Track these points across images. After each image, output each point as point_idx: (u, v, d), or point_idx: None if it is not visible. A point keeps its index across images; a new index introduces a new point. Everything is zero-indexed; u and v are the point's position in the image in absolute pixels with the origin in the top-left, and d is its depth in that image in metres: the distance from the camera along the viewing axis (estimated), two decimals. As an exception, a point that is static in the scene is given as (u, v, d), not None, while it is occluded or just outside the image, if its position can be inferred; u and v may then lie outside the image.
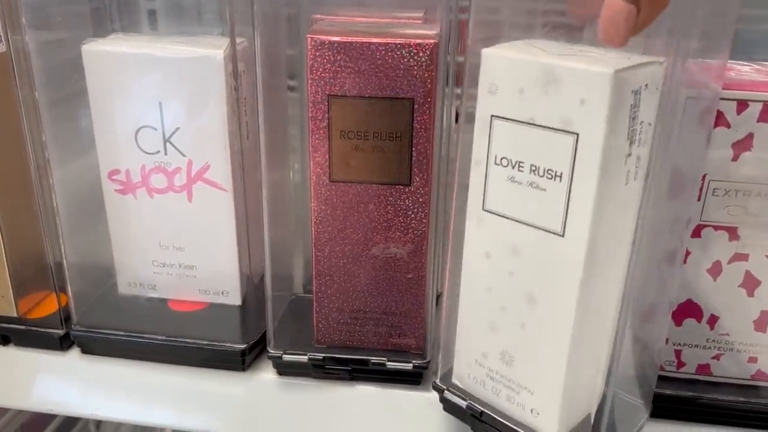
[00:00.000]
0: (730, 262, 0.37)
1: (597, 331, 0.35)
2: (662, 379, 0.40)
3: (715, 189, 0.36)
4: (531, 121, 0.32)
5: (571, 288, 0.32)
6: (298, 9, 0.42)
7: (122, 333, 0.44)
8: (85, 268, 0.47)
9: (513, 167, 0.33)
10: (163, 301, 0.47)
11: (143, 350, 0.44)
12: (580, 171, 0.31)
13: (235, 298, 0.46)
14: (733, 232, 0.37)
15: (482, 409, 0.38)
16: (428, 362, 0.42)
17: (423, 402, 0.42)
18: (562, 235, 0.32)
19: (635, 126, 0.31)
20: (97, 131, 0.43)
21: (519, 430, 0.36)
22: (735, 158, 0.35)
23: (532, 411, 0.36)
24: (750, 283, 0.38)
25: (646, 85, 0.31)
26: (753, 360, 0.39)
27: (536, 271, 0.34)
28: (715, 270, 0.38)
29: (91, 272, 0.47)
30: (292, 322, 0.45)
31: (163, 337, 0.44)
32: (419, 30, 0.37)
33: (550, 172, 0.32)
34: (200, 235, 0.44)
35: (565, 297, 0.32)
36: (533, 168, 0.32)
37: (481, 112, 0.34)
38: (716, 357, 0.40)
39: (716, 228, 0.37)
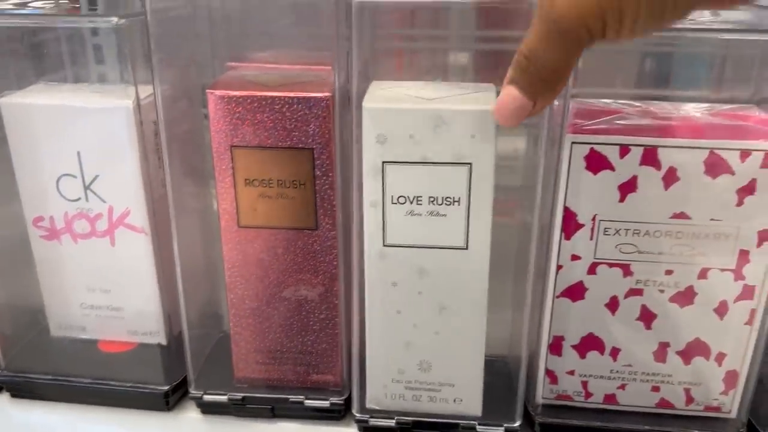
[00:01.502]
0: (626, 297, 0.39)
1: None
2: (571, 409, 0.42)
3: (606, 228, 0.37)
4: (424, 160, 0.35)
5: (480, 286, 0.38)
6: (212, 57, 0.43)
7: (49, 377, 0.45)
8: (16, 312, 0.48)
9: (411, 202, 0.36)
10: (93, 343, 0.48)
11: (70, 393, 0.45)
12: (476, 193, 0.36)
13: (161, 338, 0.46)
14: (626, 269, 0.38)
15: (411, 419, 0.41)
16: (346, 399, 0.43)
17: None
18: (467, 248, 0.37)
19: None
20: (20, 179, 0.44)
21: (449, 421, 0.41)
22: (622, 199, 0.37)
23: (455, 401, 0.41)
24: (646, 317, 0.39)
25: None
26: (656, 389, 0.41)
27: (445, 284, 0.38)
28: (613, 305, 0.39)
29: (22, 316, 0.48)
30: (219, 360, 0.46)
31: (89, 380, 0.45)
32: (325, 79, 0.38)
33: (448, 199, 0.36)
34: (124, 278, 0.45)
35: (476, 294, 0.38)
36: (432, 199, 0.36)
37: (372, 160, 0.36)
38: (621, 387, 0.41)
39: (610, 265, 0.38)
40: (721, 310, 0.38)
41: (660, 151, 0.35)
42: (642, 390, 0.41)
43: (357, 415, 0.42)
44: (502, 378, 0.43)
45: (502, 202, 0.41)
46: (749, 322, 0.38)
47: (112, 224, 0.44)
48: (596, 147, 0.36)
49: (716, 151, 0.35)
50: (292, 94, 0.36)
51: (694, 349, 0.39)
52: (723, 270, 0.37)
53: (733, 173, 0.35)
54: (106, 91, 0.43)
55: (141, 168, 0.42)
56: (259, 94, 0.36)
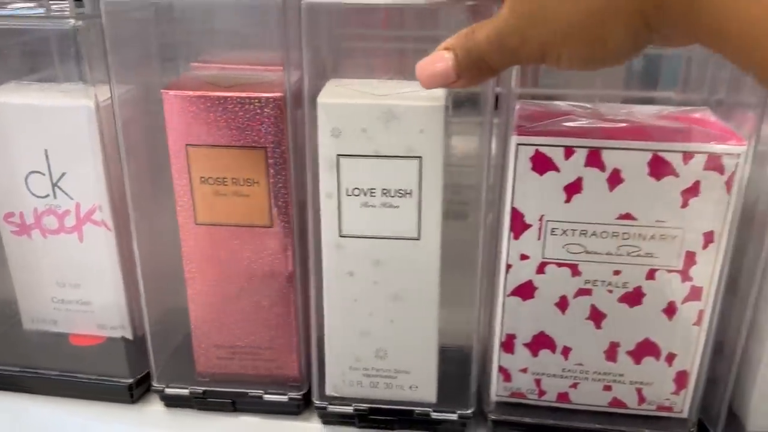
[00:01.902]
0: (575, 296, 0.39)
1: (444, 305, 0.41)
2: (525, 407, 0.42)
3: (553, 229, 0.38)
4: (376, 154, 0.36)
5: (432, 276, 0.39)
6: (175, 57, 0.44)
7: (17, 369, 0.46)
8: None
9: (365, 194, 0.37)
10: (64, 336, 0.49)
11: (39, 385, 0.46)
12: (427, 185, 0.37)
13: (126, 333, 0.47)
14: (574, 269, 0.38)
15: (368, 406, 0.42)
16: (304, 394, 0.44)
17: (307, 430, 0.44)
18: (419, 239, 0.38)
19: (448, 141, 0.38)
20: (-9, 176, 0.46)
21: (405, 408, 0.42)
22: (568, 200, 0.37)
23: (411, 388, 0.42)
24: (596, 317, 0.39)
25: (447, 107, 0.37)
26: (608, 388, 0.41)
27: (398, 273, 0.39)
28: (563, 304, 0.39)
29: (-5, 309, 0.49)
30: (185, 355, 0.47)
31: (57, 372, 0.46)
32: (280, 79, 0.39)
33: (401, 191, 0.37)
34: (92, 273, 0.46)
35: (428, 283, 0.39)
36: (385, 191, 0.37)
37: (326, 153, 0.37)
38: (573, 386, 0.41)
39: (558, 265, 0.39)
40: (670, 310, 0.38)
41: (604, 152, 0.36)
42: (594, 389, 0.41)
43: (316, 402, 0.43)
44: (460, 367, 0.44)
45: (460, 200, 0.42)
46: (698, 323, 0.39)
47: (80, 220, 0.45)
48: (541, 149, 0.36)
49: (660, 153, 0.35)
50: (243, 94, 0.37)
51: (644, 349, 0.40)
52: (670, 271, 0.38)
53: (677, 175, 0.36)
54: (73, 90, 0.44)
55: (104, 166, 0.43)
56: (211, 94, 0.37)
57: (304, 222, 0.39)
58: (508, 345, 0.41)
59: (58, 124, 0.43)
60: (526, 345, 0.41)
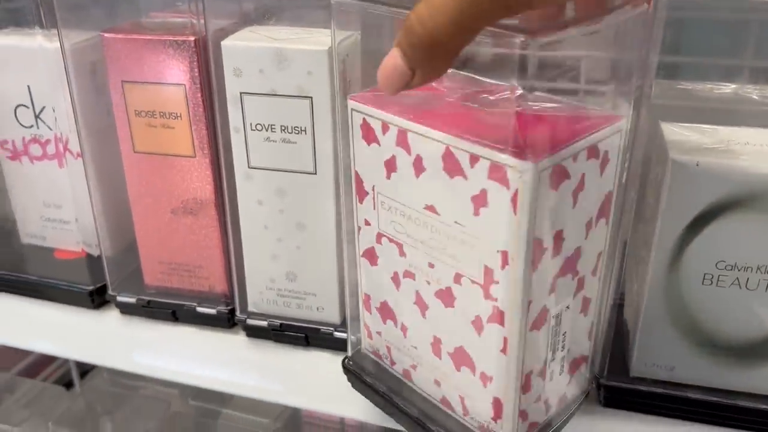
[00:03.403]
0: (404, 276, 0.37)
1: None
2: (380, 368, 0.42)
3: (382, 202, 0.36)
4: (273, 92, 0.41)
5: (328, 209, 0.43)
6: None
7: (5, 272, 0.54)
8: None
9: (267, 130, 0.42)
10: (50, 251, 0.57)
11: (25, 287, 0.54)
12: (318, 123, 0.41)
13: (94, 250, 0.55)
14: (401, 249, 0.36)
15: (281, 321, 0.48)
16: (231, 308, 0.49)
17: (232, 341, 0.49)
18: (315, 173, 0.42)
19: (347, 84, 0.39)
20: (-12, 109, 0.54)
21: (312, 326, 0.47)
22: (388, 176, 0.35)
23: (318, 309, 0.47)
24: (421, 304, 0.37)
25: (348, 54, 0.40)
26: (438, 383, 0.38)
27: (301, 204, 0.44)
28: (396, 280, 0.38)
29: (3, 224, 0.58)
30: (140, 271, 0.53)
31: (36, 278, 0.54)
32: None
33: (296, 128, 0.42)
34: (69, 196, 0.54)
35: (325, 215, 0.44)
36: (283, 127, 0.42)
37: (231, 90, 0.42)
38: (413, 366, 0.39)
39: (390, 240, 0.37)
40: (478, 325, 0.34)
41: (409, 135, 0.33)
42: (428, 378, 0.38)
43: (238, 315, 0.49)
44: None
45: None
46: (504, 351, 0.33)
47: (59, 149, 0.53)
48: (367, 118, 0.35)
49: (452, 149, 0.31)
50: (164, 38, 0.43)
51: (461, 357, 0.36)
52: (473, 282, 0.33)
53: (465, 177, 0.31)
54: (51, 35, 0.51)
55: (73, 102, 0.50)
56: (140, 37, 0.43)
57: (221, 154, 0.45)
58: (366, 304, 0.41)
59: (37, 64, 0.50)
60: (378, 309, 0.40)
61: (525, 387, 0.34)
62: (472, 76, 0.36)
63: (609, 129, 0.33)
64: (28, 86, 0.51)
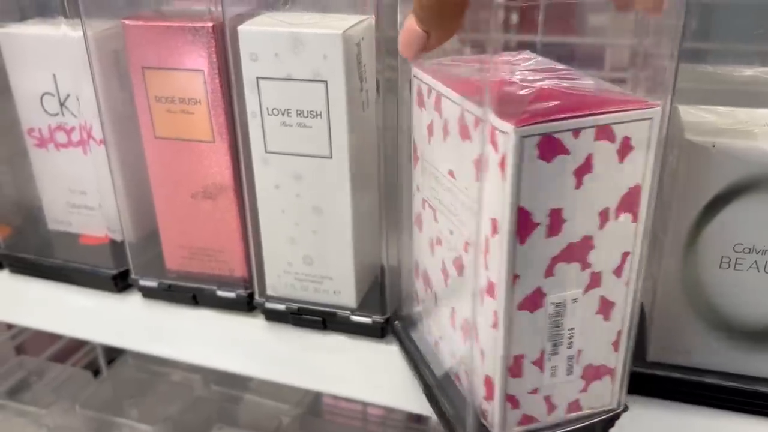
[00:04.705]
0: (436, 243, 0.38)
1: (368, 220, 0.45)
2: (418, 335, 0.44)
3: (425, 167, 0.38)
4: (289, 77, 0.42)
5: (344, 193, 0.43)
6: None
7: (33, 257, 0.56)
8: (21, 207, 0.59)
9: (283, 114, 0.43)
10: (76, 236, 0.58)
11: (51, 272, 0.56)
12: (334, 107, 0.41)
13: (118, 236, 0.56)
14: (435, 214, 0.38)
15: (298, 305, 0.48)
16: (251, 292, 0.50)
17: (251, 324, 0.50)
18: (331, 158, 0.43)
19: (361, 68, 0.41)
20: (17, 97, 0.55)
21: (329, 310, 0.47)
22: (429, 141, 0.37)
23: (334, 293, 0.47)
24: (444, 273, 0.37)
25: (363, 38, 0.41)
26: (453, 356, 0.38)
27: (317, 188, 0.44)
28: (432, 247, 0.39)
29: (30, 211, 0.59)
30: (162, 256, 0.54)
31: (61, 261, 0.55)
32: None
33: (312, 112, 0.42)
34: (93, 183, 0.55)
35: (342, 199, 0.44)
36: (299, 112, 0.42)
37: (248, 75, 0.42)
38: (441, 337, 0.40)
39: (429, 206, 0.38)
40: (480, 297, 0.34)
41: (442, 99, 0.35)
42: (447, 350, 0.39)
43: (256, 298, 0.49)
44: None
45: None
46: (494, 326, 0.33)
47: (83, 137, 0.54)
48: (420, 84, 0.37)
49: (464, 111, 0.33)
50: (182, 24, 0.43)
51: (467, 330, 0.36)
52: (477, 250, 0.33)
53: (471, 140, 0.33)
54: (75, 24, 0.52)
55: (97, 89, 0.51)
56: (158, 23, 0.44)
57: (239, 139, 0.45)
58: (416, 271, 0.43)
59: (61, 53, 0.51)
60: (422, 277, 0.42)
61: (514, 370, 0.34)
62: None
63: (630, 114, 0.31)
64: (54, 74, 0.52)
